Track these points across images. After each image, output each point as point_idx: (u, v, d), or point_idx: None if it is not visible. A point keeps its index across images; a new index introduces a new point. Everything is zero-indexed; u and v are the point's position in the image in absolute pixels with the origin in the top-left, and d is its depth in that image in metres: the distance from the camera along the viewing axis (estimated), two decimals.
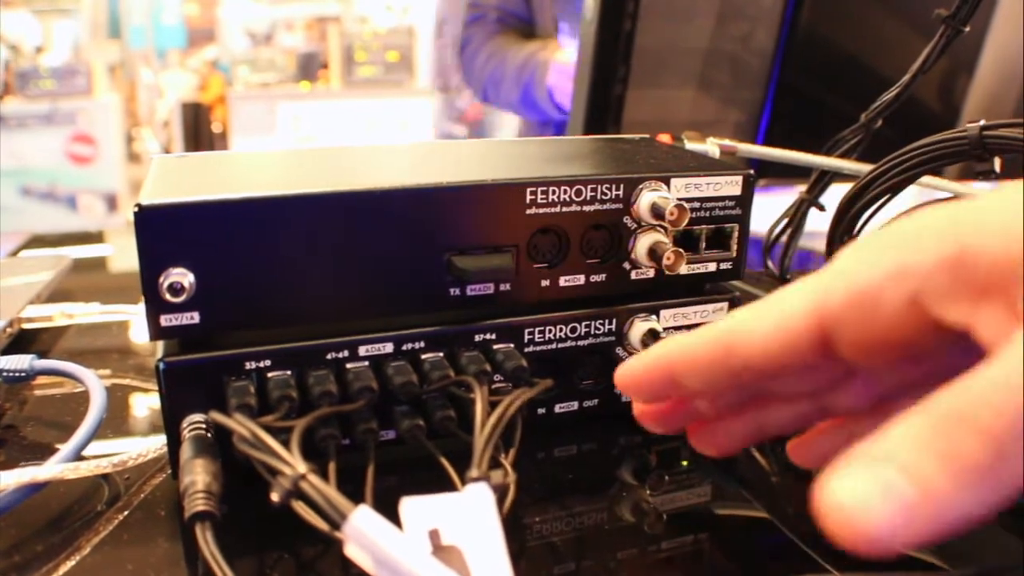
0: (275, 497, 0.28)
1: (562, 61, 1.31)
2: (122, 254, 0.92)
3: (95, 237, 1.02)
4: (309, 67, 4.32)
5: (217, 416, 0.33)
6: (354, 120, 4.15)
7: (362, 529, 0.25)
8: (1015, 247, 0.20)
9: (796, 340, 0.25)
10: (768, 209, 0.60)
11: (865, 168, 0.46)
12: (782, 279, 0.53)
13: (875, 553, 0.19)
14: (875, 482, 0.19)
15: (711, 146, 0.54)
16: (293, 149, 0.48)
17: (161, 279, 0.34)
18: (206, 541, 0.29)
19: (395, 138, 4.14)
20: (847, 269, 0.24)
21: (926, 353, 0.24)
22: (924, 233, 0.22)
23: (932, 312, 0.22)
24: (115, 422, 0.45)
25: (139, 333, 0.59)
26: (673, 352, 0.28)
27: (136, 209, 0.33)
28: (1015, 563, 0.29)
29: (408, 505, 0.27)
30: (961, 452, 0.18)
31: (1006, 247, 0.20)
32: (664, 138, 0.54)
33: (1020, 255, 0.20)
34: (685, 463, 0.42)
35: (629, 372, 0.30)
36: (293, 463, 0.28)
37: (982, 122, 0.40)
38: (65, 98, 3.55)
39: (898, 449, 0.19)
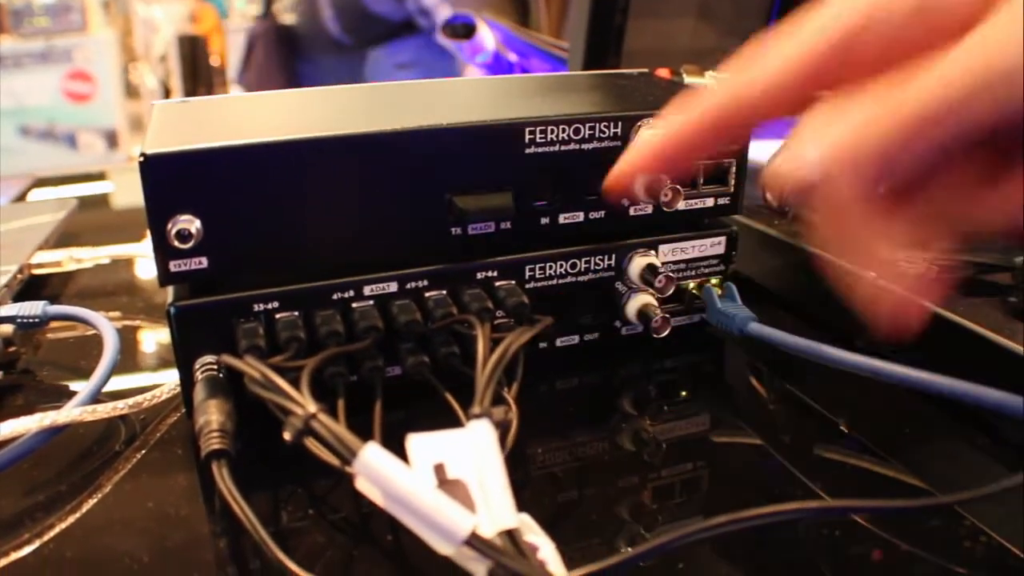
0: (287, 436, 0.29)
1: None
2: (125, 191, 0.92)
3: (97, 176, 1.02)
4: None
5: (229, 359, 0.33)
6: None
7: (371, 465, 0.26)
8: None
9: (790, 90, 0.26)
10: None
11: None
12: (781, 212, 0.54)
13: (795, 187, 0.25)
14: (813, 132, 0.25)
15: (710, 80, 0.54)
16: (292, 91, 0.48)
17: (169, 226, 0.34)
18: (222, 478, 0.30)
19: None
20: (832, 16, 0.26)
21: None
22: None
23: (934, 19, 0.24)
24: (128, 363, 0.46)
25: (146, 271, 0.60)
26: (674, 136, 0.30)
27: (141, 159, 0.33)
28: (1002, 486, 0.30)
29: (414, 441, 0.28)
30: (879, 120, 0.24)
31: None
32: (663, 72, 0.54)
33: None
34: (684, 393, 0.43)
35: (622, 169, 0.32)
36: (304, 403, 0.29)
37: None
38: (60, 35, 3.50)
39: (836, 110, 0.25)
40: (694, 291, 0.45)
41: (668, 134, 0.30)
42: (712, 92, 0.29)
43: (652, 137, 0.30)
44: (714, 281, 0.45)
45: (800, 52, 0.26)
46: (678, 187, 0.40)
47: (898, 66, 0.24)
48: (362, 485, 0.27)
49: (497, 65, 1.20)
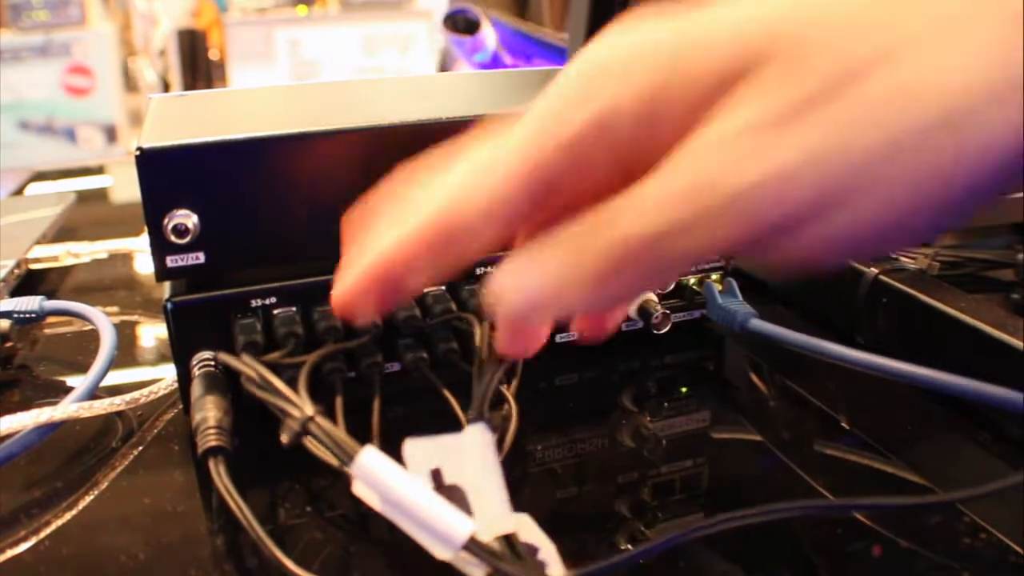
0: (285, 439, 0.29)
1: None
2: (123, 186, 0.92)
3: (96, 170, 1.02)
4: None
5: (226, 358, 0.33)
6: (353, 44, 4.09)
7: (368, 469, 0.26)
8: (719, 77, 0.20)
9: (517, 206, 0.24)
10: None
11: None
12: None
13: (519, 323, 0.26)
14: (520, 274, 0.23)
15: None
16: (290, 85, 0.48)
17: (165, 221, 0.34)
18: (219, 475, 0.30)
19: (395, 61, 4.08)
20: (554, 117, 0.23)
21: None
22: (628, 66, 0.22)
23: (637, 160, 0.22)
24: (125, 359, 0.46)
25: (144, 266, 0.60)
26: (387, 258, 0.25)
27: (137, 153, 0.33)
28: (1004, 484, 0.30)
29: (411, 446, 0.28)
30: (579, 267, 0.22)
31: (709, 78, 0.20)
32: None
33: (722, 88, 0.20)
34: (684, 390, 0.43)
35: (346, 297, 0.27)
36: (301, 405, 0.29)
37: None
38: (59, 29, 3.49)
39: (544, 251, 0.23)
40: (694, 287, 0.45)
41: (381, 256, 0.25)
42: (421, 209, 0.25)
43: (370, 257, 0.26)
44: (715, 277, 0.45)
45: (523, 155, 0.23)
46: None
47: (620, 184, 0.22)
48: (359, 488, 0.27)
49: (495, 66, 1.20)
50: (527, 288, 0.23)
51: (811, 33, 0.19)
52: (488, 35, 1.16)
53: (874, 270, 0.43)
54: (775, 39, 0.20)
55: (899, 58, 0.18)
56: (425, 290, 0.38)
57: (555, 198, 0.24)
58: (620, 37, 0.22)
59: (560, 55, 1.04)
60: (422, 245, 0.25)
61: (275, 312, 0.37)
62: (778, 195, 0.19)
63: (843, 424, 0.39)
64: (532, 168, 0.23)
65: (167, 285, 0.37)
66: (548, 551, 0.26)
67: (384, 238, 0.25)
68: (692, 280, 0.45)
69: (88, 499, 0.34)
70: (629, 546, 0.30)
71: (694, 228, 0.20)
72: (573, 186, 0.23)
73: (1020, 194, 0.56)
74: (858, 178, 0.19)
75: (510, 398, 0.34)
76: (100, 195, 0.91)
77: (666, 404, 0.41)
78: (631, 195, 0.21)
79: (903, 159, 0.18)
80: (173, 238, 0.34)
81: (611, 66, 0.22)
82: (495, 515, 0.26)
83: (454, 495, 0.26)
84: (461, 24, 1.18)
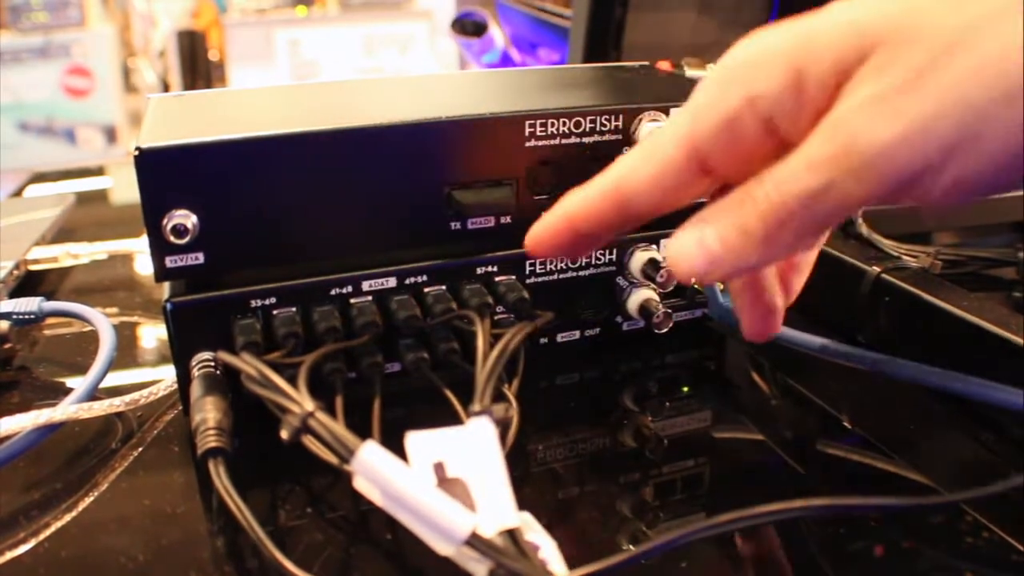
0: (284, 435, 0.29)
1: None
2: (123, 187, 0.92)
3: (96, 171, 1.02)
4: None
5: (226, 356, 0.33)
6: (353, 44, 4.09)
7: (369, 464, 0.26)
8: (842, 64, 0.24)
9: (678, 175, 0.28)
10: None
11: None
12: None
13: (697, 281, 0.29)
14: (695, 238, 0.27)
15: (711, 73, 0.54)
16: (290, 85, 0.47)
17: (164, 221, 0.34)
18: (219, 476, 0.30)
19: (395, 61, 4.07)
20: (709, 102, 0.27)
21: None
22: (767, 59, 0.26)
23: (782, 132, 0.26)
24: (125, 360, 0.46)
25: (143, 267, 0.60)
26: (574, 210, 0.30)
27: (136, 153, 0.33)
28: (1005, 485, 0.30)
29: (413, 439, 0.28)
30: (747, 224, 0.26)
31: (834, 65, 0.24)
32: (664, 65, 0.54)
33: (846, 72, 0.24)
34: (685, 389, 0.42)
35: (538, 237, 0.31)
36: (301, 401, 0.29)
37: None
38: (58, 30, 3.49)
39: (712, 216, 0.27)
40: (696, 286, 0.45)
41: (566, 208, 0.31)
42: (602, 176, 0.30)
43: (558, 210, 0.31)
44: None
45: (684, 134, 0.27)
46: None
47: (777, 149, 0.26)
48: (360, 484, 0.27)
49: (503, 65, 1.19)
50: (702, 250, 0.27)
51: (908, 23, 0.23)
52: (496, 35, 1.16)
53: (876, 269, 0.43)
54: (882, 29, 0.24)
55: (981, 36, 0.22)
56: (426, 291, 0.38)
57: (714, 168, 0.27)
58: (757, 40, 0.26)
59: (563, 37, 1.04)
60: (600, 204, 0.29)
61: (275, 312, 0.36)
62: (909, 149, 0.23)
63: (845, 423, 0.39)
64: (692, 142, 0.27)
65: (166, 286, 0.37)
66: (550, 549, 0.26)
67: (572, 197, 0.30)
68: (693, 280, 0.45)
69: (88, 500, 0.33)
70: (631, 546, 0.30)
71: (844, 183, 0.24)
72: (727, 159, 0.27)
73: (1020, 192, 0.56)
74: (963, 133, 0.22)
75: (511, 397, 0.34)
76: (100, 196, 0.91)
77: (667, 404, 0.41)
78: (786, 162, 0.25)
79: (997, 116, 0.22)
80: (172, 238, 0.34)
81: (756, 58, 0.26)
82: (499, 509, 0.26)
83: (457, 489, 0.26)
84: (469, 27, 1.18)
